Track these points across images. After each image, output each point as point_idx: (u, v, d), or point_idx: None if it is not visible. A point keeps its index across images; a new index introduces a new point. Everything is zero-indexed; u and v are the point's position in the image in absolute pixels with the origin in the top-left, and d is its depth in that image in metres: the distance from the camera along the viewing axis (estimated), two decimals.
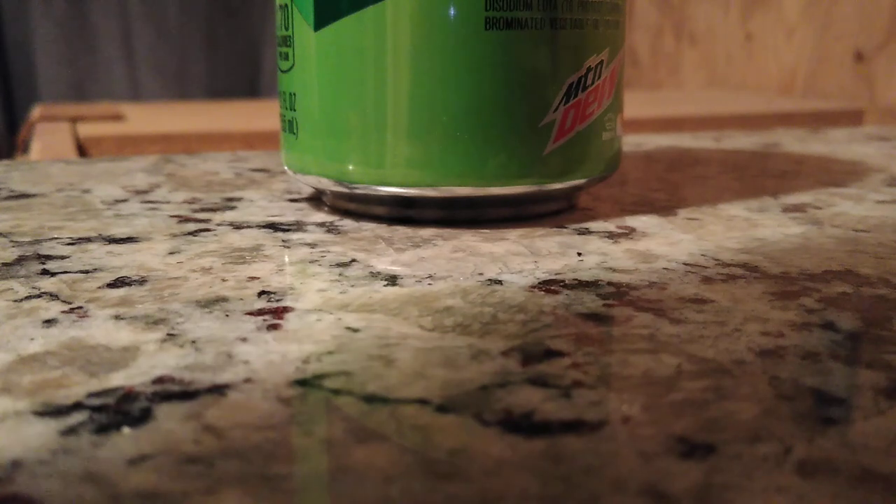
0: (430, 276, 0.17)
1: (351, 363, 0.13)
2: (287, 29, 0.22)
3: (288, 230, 0.21)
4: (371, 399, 0.12)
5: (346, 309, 0.15)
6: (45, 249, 0.19)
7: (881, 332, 0.14)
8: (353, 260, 0.19)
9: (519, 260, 0.18)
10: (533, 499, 0.09)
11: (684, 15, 0.99)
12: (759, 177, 0.29)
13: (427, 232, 0.21)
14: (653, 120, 0.60)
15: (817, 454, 0.10)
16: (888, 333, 0.14)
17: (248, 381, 0.12)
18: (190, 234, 0.21)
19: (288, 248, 0.20)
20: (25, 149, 0.57)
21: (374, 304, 0.16)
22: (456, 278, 0.17)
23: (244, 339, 0.14)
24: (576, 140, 0.21)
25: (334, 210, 0.24)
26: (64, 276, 0.17)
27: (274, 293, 0.16)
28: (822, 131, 0.42)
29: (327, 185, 0.22)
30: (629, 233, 0.21)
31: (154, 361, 0.13)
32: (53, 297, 0.16)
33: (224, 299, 0.16)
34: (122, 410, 0.11)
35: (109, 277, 0.17)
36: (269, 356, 0.13)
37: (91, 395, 0.12)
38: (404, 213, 0.22)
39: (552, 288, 0.17)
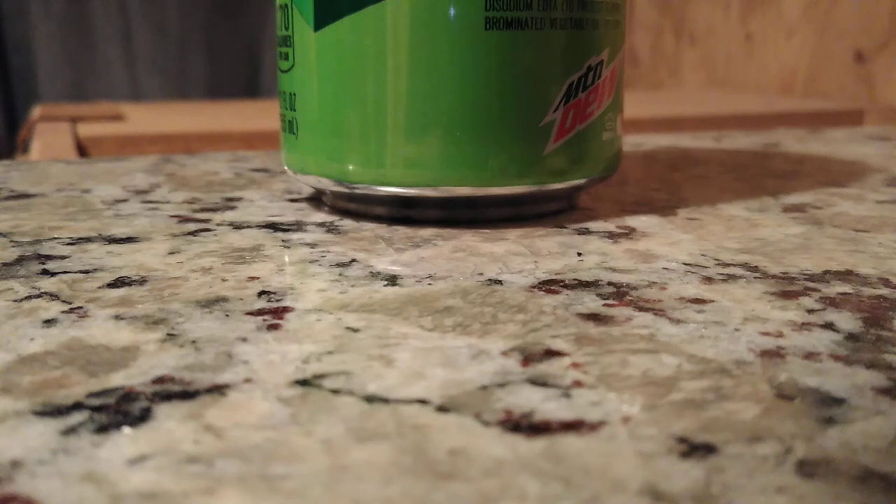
0: (430, 276, 0.17)
1: (351, 363, 0.13)
2: (287, 29, 0.22)
3: (288, 230, 0.21)
4: (371, 399, 0.12)
5: (346, 309, 0.15)
6: (45, 249, 0.19)
7: (881, 332, 0.14)
8: (353, 260, 0.19)
9: (519, 260, 0.18)
10: (533, 499, 0.09)
11: (684, 15, 0.99)
12: (759, 177, 0.29)
13: (427, 232, 0.21)
14: (653, 120, 0.60)
15: (817, 454, 0.10)
16: (888, 333, 0.14)
17: (248, 381, 0.12)
18: (190, 234, 0.21)
19: (288, 248, 0.20)
20: (25, 149, 0.57)
21: (374, 304, 0.16)
22: (456, 278, 0.17)
23: (244, 339, 0.14)
24: (576, 140, 0.21)
25: (334, 210, 0.24)
26: (64, 276, 0.17)
27: (274, 293, 0.16)
28: (822, 131, 0.42)
29: (327, 185, 0.22)
30: (629, 233, 0.21)
31: (154, 361, 0.13)
32: (53, 297, 0.16)
33: (224, 299, 0.16)
34: (122, 410, 0.11)
35: (109, 277, 0.17)
36: (269, 356, 0.13)
37: (91, 395, 0.12)
38: (404, 213, 0.22)
39: (552, 288, 0.17)
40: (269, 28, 1.54)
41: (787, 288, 0.16)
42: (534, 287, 0.17)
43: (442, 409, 0.11)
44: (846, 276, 0.17)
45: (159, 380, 0.12)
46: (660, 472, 0.10)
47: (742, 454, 0.10)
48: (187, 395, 0.12)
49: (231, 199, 0.25)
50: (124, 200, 0.25)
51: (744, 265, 0.18)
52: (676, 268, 0.18)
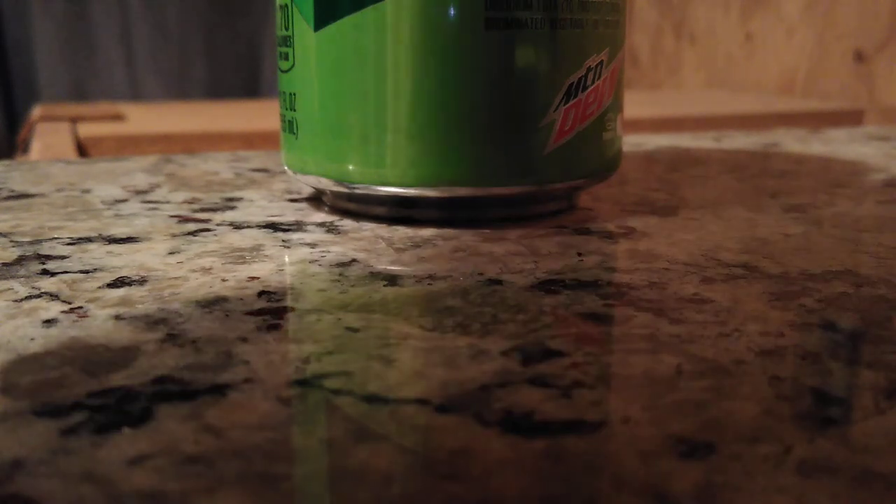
0: (430, 276, 0.17)
1: (351, 363, 0.13)
2: (287, 29, 0.22)
3: (288, 230, 0.21)
4: (371, 399, 0.12)
5: (346, 309, 0.15)
6: (45, 249, 0.19)
7: (881, 332, 0.14)
8: (353, 260, 0.19)
9: (519, 260, 0.18)
10: (533, 499, 0.09)
11: (684, 15, 0.99)
12: (759, 177, 0.29)
13: (427, 232, 0.21)
14: (653, 120, 0.60)
15: (817, 454, 0.10)
16: (888, 333, 0.14)
17: (248, 381, 0.12)
18: (190, 234, 0.21)
19: (288, 248, 0.20)
20: (25, 149, 0.57)
21: (374, 304, 0.16)
22: (456, 278, 0.17)
23: (244, 339, 0.14)
24: (576, 140, 0.21)
25: (334, 210, 0.24)
26: (64, 276, 0.17)
27: (274, 293, 0.16)
28: (822, 131, 0.42)
29: (327, 185, 0.22)
30: (629, 233, 0.21)
31: (154, 361, 0.13)
32: (53, 297, 0.16)
33: (224, 299, 0.16)
34: (122, 410, 0.11)
35: (109, 277, 0.17)
36: (269, 356, 0.13)
37: (91, 395, 0.12)
38: (404, 213, 0.22)
39: (552, 288, 0.17)
40: (269, 28, 1.54)
41: (787, 288, 0.16)
42: (534, 287, 0.17)
43: (442, 409, 0.11)
44: (846, 276, 0.17)
45: (159, 380, 0.12)
46: (660, 472, 0.10)
47: (742, 454, 0.10)
48: (187, 395, 0.12)
49: (231, 199, 0.25)
50: (124, 200, 0.25)
51: (744, 265, 0.18)
52: (676, 268, 0.18)
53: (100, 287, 0.17)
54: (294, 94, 0.22)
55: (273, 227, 0.22)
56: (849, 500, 0.09)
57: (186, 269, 0.18)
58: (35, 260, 0.19)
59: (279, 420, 0.11)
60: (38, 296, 0.16)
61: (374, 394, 0.12)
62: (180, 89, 1.53)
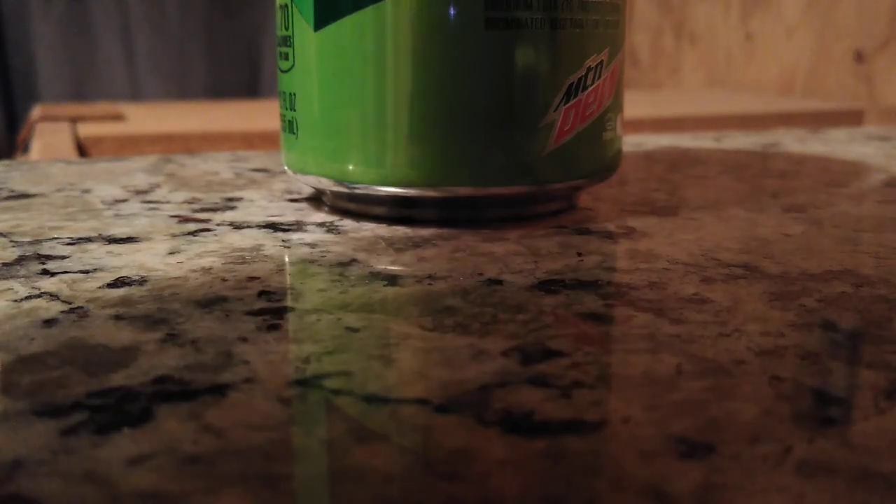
0: (430, 276, 0.17)
1: (351, 363, 0.13)
2: (287, 29, 0.22)
3: (288, 230, 0.21)
4: (371, 399, 0.12)
5: (346, 309, 0.15)
6: (45, 249, 0.19)
7: (881, 332, 0.14)
8: (353, 260, 0.19)
9: (519, 260, 0.18)
10: (533, 499, 0.09)
11: (684, 15, 0.98)
12: (759, 177, 0.29)
13: (427, 232, 0.21)
14: (653, 120, 0.60)
15: (817, 454, 0.10)
16: (888, 333, 0.14)
17: (248, 381, 0.12)
18: (190, 234, 0.21)
19: (288, 248, 0.20)
20: (25, 149, 0.57)
21: (374, 304, 0.16)
22: (456, 278, 0.17)
23: (244, 339, 0.14)
24: (576, 140, 0.21)
25: (334, 210, 0.24)
26: (64, 276, 0.17)
27: (274, 293, 0.16)
28: (822, 131, 0.42)
29: (327, 185, 0.22)
30: (629, 233, 0.21)
31: (154, 361, 0.13)
32: (53, 297, 0.16)
33: (224, 299, 0.16)
34: (122, 410, 0.11)
35: (109, 277, 0.17)
36: (269, 356, 0.13)
37: (91, 395, 0.12)
38: (404, 213, 0.22)
39: (552, 288, 0.17)
40: (269, 28, 1.54)
41: (787, 288, 0.16)
42: (534, 287, 0.17)
43: (442, 409, 0.11)
44: (846, 276, 0.17)
45: (159, 380, 0.12)
46: (660, 472, 0.10)
47: (742, 454, 0.10)
48: (187, 395, 0.12)
49: (231, 199, 0.25)
50: (124, 200, 0.25)
51: (744, 265, 0.18)
52: (676, 268, 0.18)
53: (100, 287, 0.17)
54: (294, 94, 0.22)
55: (273, 227, 0.22)
56: (849, 500, 0.09)
57: (186, 269, 0.18)
58: (35, 260, 0.19)
59: (279, 420, 0.11)
60: (38, 296, 0.16)
61: (374, 394, 0.12)
62: (180, 89, 1.53)
